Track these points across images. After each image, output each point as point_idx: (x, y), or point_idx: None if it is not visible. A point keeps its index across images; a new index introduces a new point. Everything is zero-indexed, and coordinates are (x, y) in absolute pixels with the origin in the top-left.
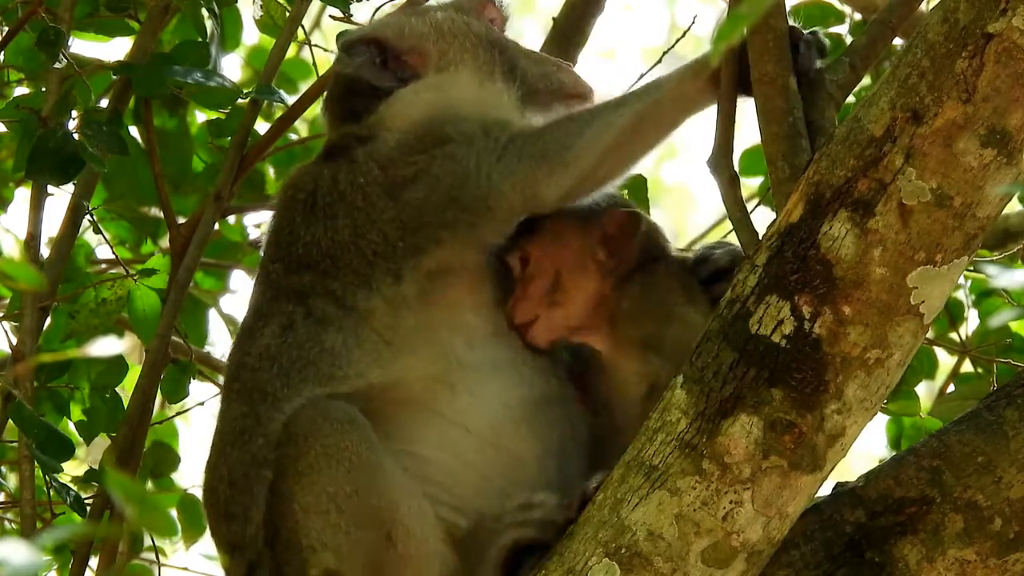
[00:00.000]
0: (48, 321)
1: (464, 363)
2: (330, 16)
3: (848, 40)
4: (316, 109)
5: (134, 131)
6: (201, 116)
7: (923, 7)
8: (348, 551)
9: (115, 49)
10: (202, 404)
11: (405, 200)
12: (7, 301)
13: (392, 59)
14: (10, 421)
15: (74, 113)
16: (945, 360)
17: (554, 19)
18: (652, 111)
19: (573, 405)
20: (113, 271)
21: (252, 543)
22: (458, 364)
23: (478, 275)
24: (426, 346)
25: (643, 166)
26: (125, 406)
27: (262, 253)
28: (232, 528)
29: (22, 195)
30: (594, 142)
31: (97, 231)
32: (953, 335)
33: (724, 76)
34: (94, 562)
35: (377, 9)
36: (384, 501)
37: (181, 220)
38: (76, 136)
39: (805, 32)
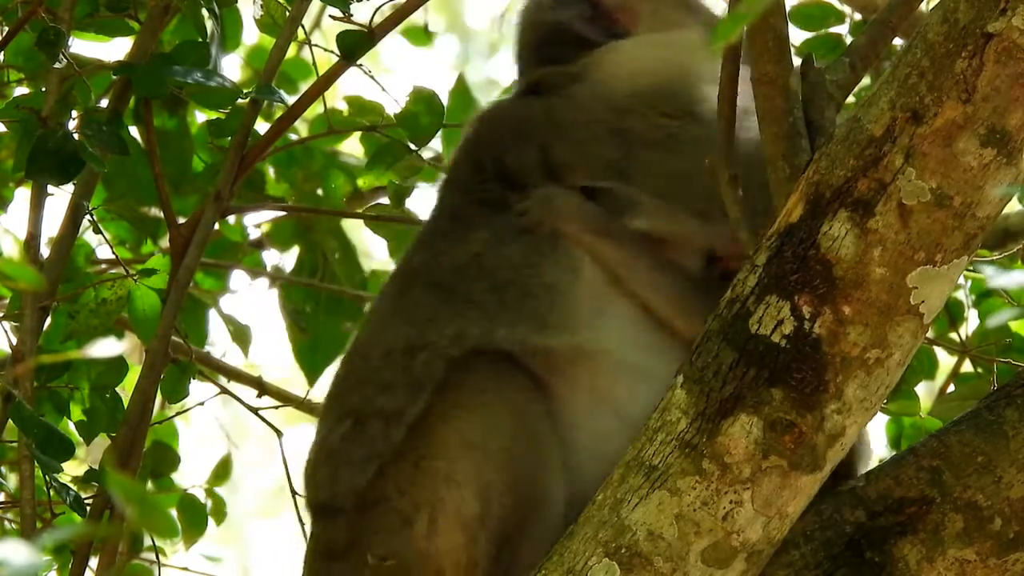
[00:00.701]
0: (48, 321)
1: (654, 358)
2: (330, 16)
3: (848, 40)
4: (316, 109)
5: (134, 131)
6: (201, 116)
7: (923, 7)
8: (489, 512)
9: (115, 49)
10: (202, 404)
11: (643, 159)
12: (7, 301)
13: (602, 15)
14: (10, 421)
15: (74, 113)
16: (945, 360)
17: None
18: None
19: None
20: (113, 271)
21: (388, 422)
22: (651, 356)
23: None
24: (629, 323)
25: None
26: (125, 406)
27: (444, 179)
28: (366, 393)
29: (22, 195)
30: None
31: (97, 231)
32: (953, 335)
33: (724, 76)
34: (94, 562)
35: (377, 9)
36: (538, 489)
37: (181, 220)
38: (76, 136)
39: None
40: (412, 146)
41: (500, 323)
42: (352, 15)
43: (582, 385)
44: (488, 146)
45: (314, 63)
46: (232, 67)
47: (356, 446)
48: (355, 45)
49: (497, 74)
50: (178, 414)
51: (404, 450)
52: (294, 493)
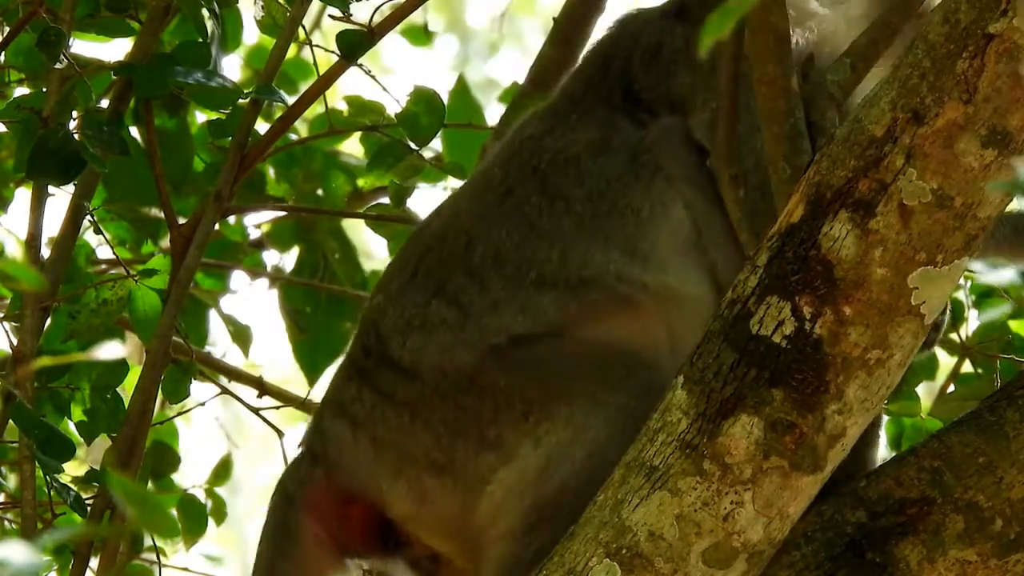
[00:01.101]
0: (49, 321)
1: None
2: (330, 16)
3: None
4: (317, 109)
5: (135, 131)
6: (201, 116)
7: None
8: (548, 485)
9: (115, 49)
10: (203, 404)
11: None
12: (8, 301)
13: None
14: (11, 421)
15: (75, 113)
16: (945, 360)
17: (554, 19)
18: None
19: None
20: (114, 271)
21: (489, 332)
22: None
23: None
24: (709, 276)
25: None
26: (126, 406)
27: (584, 57)
28: (469, 287)
29: (23, 195)
30: None
31: (98, 231)
32: (953, 335)
33: (724, 76)
34: (95, 562)
35: (377, 9)
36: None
37: (182, 221)
38: (77, 136)
39: None
40: (413, 146)
41: (596, 245)
42: (352, 15)
43: (664, 328)
44: (621, 53)
45: (315, 63)
46: (232, 67)
47: (455, 335)
48: (355, 45)
49: (497, 74)
50: (179, 414)
51: (500, 371)
52: None
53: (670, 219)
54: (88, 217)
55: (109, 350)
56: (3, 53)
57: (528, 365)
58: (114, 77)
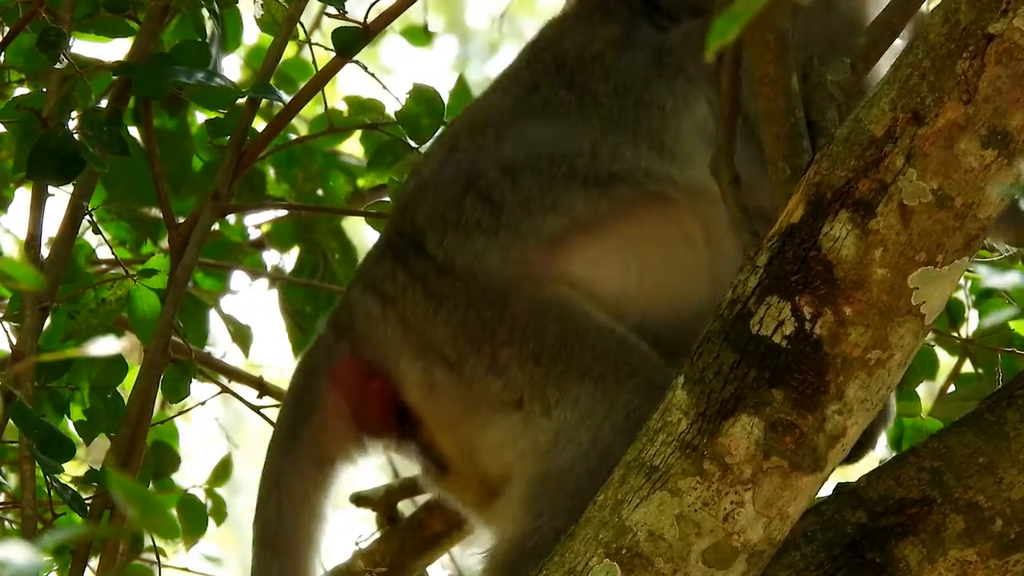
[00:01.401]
0: (48, 321)
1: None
2: (326, 14)
3: None
4: (316, 109)
5: (134, 131)
6: (201, 116)
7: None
8: (558, 457)
9: (115, 49)
10: (203, 404)
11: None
12: (7, 301)
13: None
14: (11, 421)
15: (74, 113)
16: (946, 361)
17: None
18: None
19: None
20: (113, 271)
21: (520, 235)
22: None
23: None
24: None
25: None
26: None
27: None
28: (501, 182)
29: (22, 195)
30: None
31: (97, 231)
32: (953, 335)
33: (724, 76)
34: (95, 562)
35: (372, 5)
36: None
37: (181, 220)
38: (77, 136)
39: None
40: (413, 144)
41: (624, 140)
42: (347, 12)
43: (699, 225)
44: None
45: (314, 62)
46: (232, 67)
47: (488, 240)
48: (350, 41)
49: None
50: (179, 414)
51: (526, 299)
52: None
53: (693, 115)
54: (87, 217)
55: (105, 345)
56: (3, 53)
57: (553, 306)
58: (114, 77)
